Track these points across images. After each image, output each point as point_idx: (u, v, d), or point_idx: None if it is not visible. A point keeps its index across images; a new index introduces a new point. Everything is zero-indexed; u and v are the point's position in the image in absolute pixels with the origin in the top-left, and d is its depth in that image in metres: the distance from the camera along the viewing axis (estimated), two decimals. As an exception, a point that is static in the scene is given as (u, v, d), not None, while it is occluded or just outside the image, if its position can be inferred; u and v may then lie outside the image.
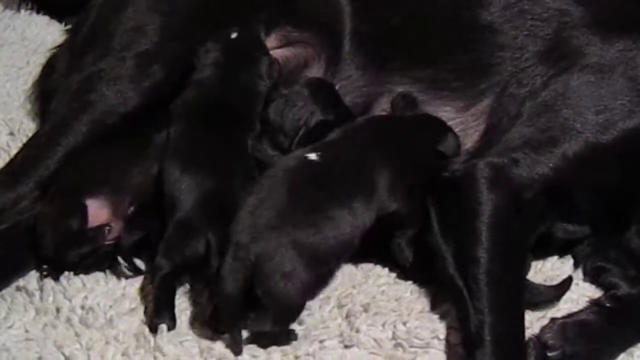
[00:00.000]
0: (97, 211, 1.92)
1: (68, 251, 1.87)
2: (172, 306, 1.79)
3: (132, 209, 1.95)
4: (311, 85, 2.15)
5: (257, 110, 2.07)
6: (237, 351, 1.71)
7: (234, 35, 2.15)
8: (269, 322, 1.71)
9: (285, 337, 1.76)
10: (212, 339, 1.76)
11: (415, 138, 2.02)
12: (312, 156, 1.87)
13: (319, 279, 1.78)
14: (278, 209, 1.75)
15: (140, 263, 1.94)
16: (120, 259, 1.89)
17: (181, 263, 1.80)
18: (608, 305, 1.85)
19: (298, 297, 1.72)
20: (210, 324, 1.78)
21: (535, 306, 1.86)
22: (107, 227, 1.89)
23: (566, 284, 1.90)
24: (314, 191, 1.80)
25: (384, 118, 2.14)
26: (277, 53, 2.29)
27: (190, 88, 2.08)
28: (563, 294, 1.89)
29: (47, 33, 2.74)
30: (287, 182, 1.81)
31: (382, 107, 2.22)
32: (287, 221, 1.74)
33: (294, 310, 1.75)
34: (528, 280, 1.87)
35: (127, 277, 1.90)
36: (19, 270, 1.92)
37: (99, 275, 1.91)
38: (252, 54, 2.15)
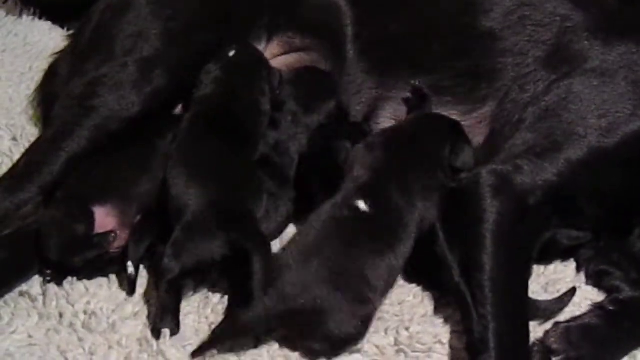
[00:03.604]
0: (104, 219, 1.91)
1: (73, 256, 1.87)
2: (177, 311, 1.78)
3: (138, 217, 1.95)
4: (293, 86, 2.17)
5: (259, 128, 2.07)
6: None
7: (232, 53, 2.15)
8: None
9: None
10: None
11: (440, 157, 1.99)
12: (362, 205, 1.85)
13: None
14: (330, 266, 1.74)
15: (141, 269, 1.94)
16: (129, 268, 1.86)
17: (191, 265, 1.78)
18: (611, 308, 1.86)
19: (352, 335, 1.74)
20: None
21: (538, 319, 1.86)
22: (113, 234, 1.89)
23: (569, 295, 1.89)
24: (363, 248, 1.79)
25: (412, 135, 2.05)
26: (280, 60, 2.30)
27: (192, 104, 2.08)
28: (565, 306, 1.88)
29: (49, 38, 2.73)
30: (337, 235, 1.80)
31: (387, 112, 2.23)
32: (338, 276, 1.73)
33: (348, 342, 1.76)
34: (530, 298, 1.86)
35: (132, 289, 1.88)
36: (22, 276, 1.92)
37: (102, 280, 1.91)
38: (251, 68, 2.15)
